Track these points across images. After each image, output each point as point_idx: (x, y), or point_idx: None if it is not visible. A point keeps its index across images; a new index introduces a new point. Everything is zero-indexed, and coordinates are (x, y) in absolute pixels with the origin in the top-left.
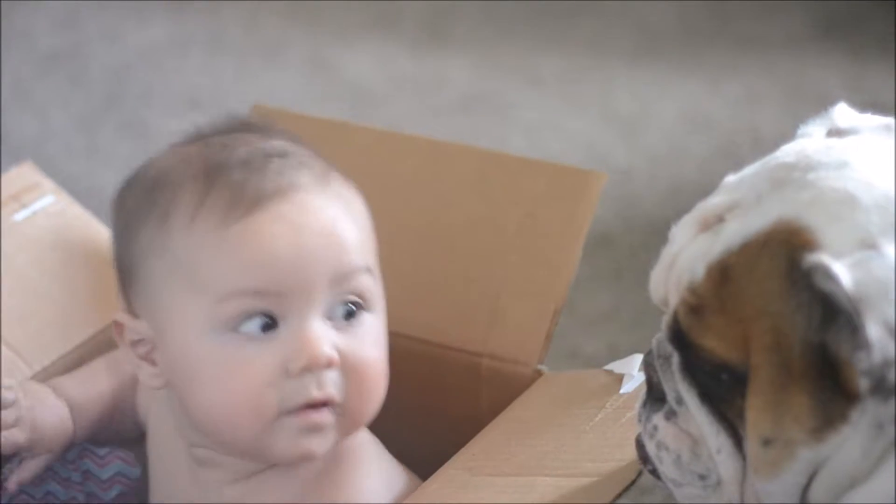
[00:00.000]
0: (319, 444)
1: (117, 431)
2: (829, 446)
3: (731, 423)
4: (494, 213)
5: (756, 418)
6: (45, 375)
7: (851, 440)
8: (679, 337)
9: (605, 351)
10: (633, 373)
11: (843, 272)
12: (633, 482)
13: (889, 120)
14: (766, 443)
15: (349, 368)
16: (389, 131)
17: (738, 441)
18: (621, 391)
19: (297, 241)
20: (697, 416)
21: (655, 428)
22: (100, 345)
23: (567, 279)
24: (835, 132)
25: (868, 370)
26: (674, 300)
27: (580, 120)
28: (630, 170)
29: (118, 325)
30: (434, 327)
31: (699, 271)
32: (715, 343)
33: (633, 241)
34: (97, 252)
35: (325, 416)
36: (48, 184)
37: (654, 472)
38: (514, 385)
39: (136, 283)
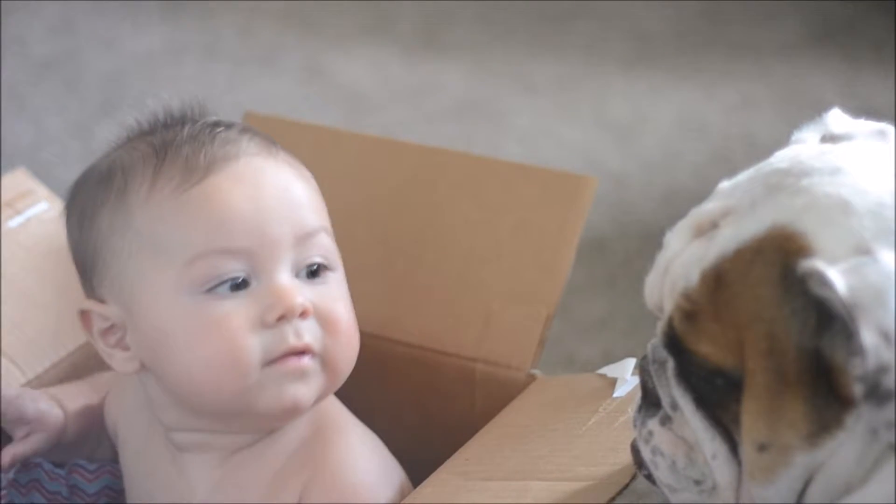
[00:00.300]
0: (305, 393)
1: (91, 448)
2: (824, 451)
3: (727, 429)
4: (487, 218)
5: (751, 424)
6: (39, 383)
7: (847, 446)
8: (674, 343)
9: (600, 357)
10: (626, 377)
11: (838, 278)
12: (627, 486)
13: (882, 125)
14: (762, 448)
15: (323, 320)
16: (383, 138)
17: (733, 447)
18: (614, 395)
19: (257, 199)
20: (692, 421)
21: (651, 433)
22: (93, 352)
23: (560, 284)
24: (829, 138)
25: (863, 376)
26: (668, 306)
27: (574, 126)
28: (625, 176)
29: (85, 315)
30: (428, 332)
31: (694, 277)
32: (709, 349)
33: (628, 247)
34: None
35: (306, 362)
36: (42, 190)
37: (650, 478)
38: (507, 390)
39: (100, 267)
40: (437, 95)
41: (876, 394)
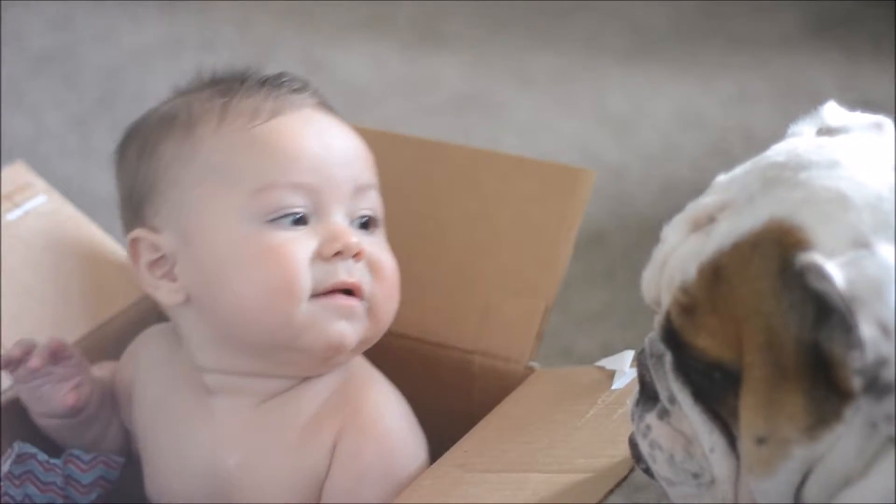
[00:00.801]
0: (350, 333)
1: (102, 426)
2: (823, 444)
3: (725, 422)
4: (486, 211)
5: (750, 417)
6: None
7: (846, 439)
8: (671, 337)
9: (599, 349)
10: (624, 369)
11: (836, 271)
12: (625, 478)
13: (879, 118)
14: (761, 441)
15: (372, 266)
16: (382, 131)
17: (731, 440)
18: (613, 387)
19: (324, 143)
20: (690, 415)
21: (648, 427)
22: (93, 344)
23: (558, 277)
24: (825, 131)
25: (861, 369)
26: (666, 300)
27: (573, 119)
28: (623, 169)
29: (134, 245)
30: (426, 325)
31: (691, 271)
32: (707, 342)
33: (626, 240)
34: (90, 252)
35: (354, 302)
36: (40, 183)
37: (648, 471)
38: (505, 382)
39: (157, 198)
40: (436, 89)
41: (875, 387)
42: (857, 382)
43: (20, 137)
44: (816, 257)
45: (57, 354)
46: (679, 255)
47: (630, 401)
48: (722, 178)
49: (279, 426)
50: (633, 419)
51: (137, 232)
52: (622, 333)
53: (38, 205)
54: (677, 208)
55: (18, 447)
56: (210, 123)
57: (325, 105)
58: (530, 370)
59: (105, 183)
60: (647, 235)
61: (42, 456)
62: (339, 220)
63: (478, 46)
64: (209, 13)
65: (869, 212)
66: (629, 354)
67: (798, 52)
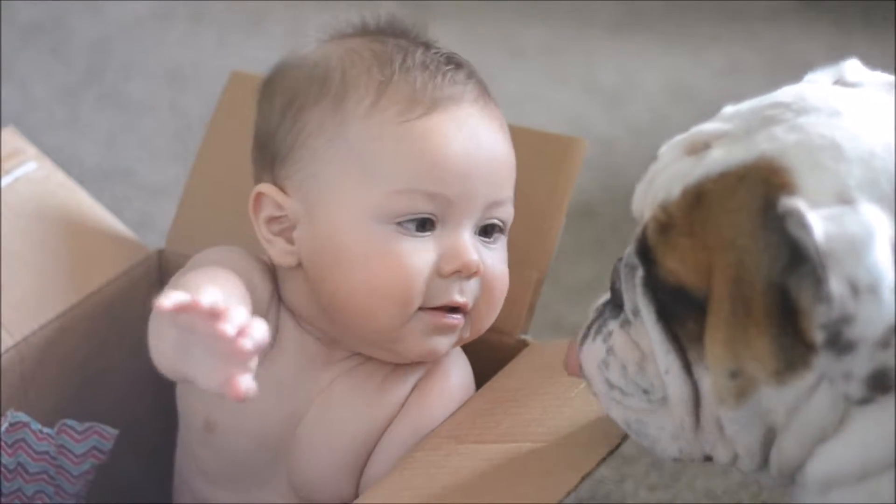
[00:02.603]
0: (445, 346)
1: None
2: (793, 390)
3: (682, 347)
4: None
5: (718, 351)
6: (27, 345)
7: (819, 390)
8: (645, 252)
9: None
10: None
11: (817, 222)
12: (617, 447)
13: (893, 78)
14: (734, 375)
15: (485, 282)
16: None
17: (686, 365)
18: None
19: (471, 153)
20: (651, 332)
21: (610, 333)
22: (82, 313)
23: (550, 248)
24: (840, 83)
25: (826, 324)
26: (647, 215)
27: (563, 91)
28: (613, 140)
29: (259, 197)
30: None
31: (675, 191)
32: (677, 264)
33: (616, 212)
34: (80, 219)
35: (457, 322)
36: (31, 150)
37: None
38: (497, 354)
39: (294, 161)
40: None
41: (836, 344)
42: (819, 336)
43: (8, 108)
44: (800, 204)
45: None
46: (668, 173)
47: (595, 304)
48: (729, 108)
49: (363, 378)
50: (595, 314)
51: (265, 187)
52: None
53: (29, 171)
54: None
55: (11, 415)
56: (363, 103)
57: (484, 94)
58: (522, 343)
59: (93, 154)
60: None
61: (35, 425)
62: (465, 233)
63: (467, 18)
64: None
65: (859, 166)
66: None
67: (788, 24)
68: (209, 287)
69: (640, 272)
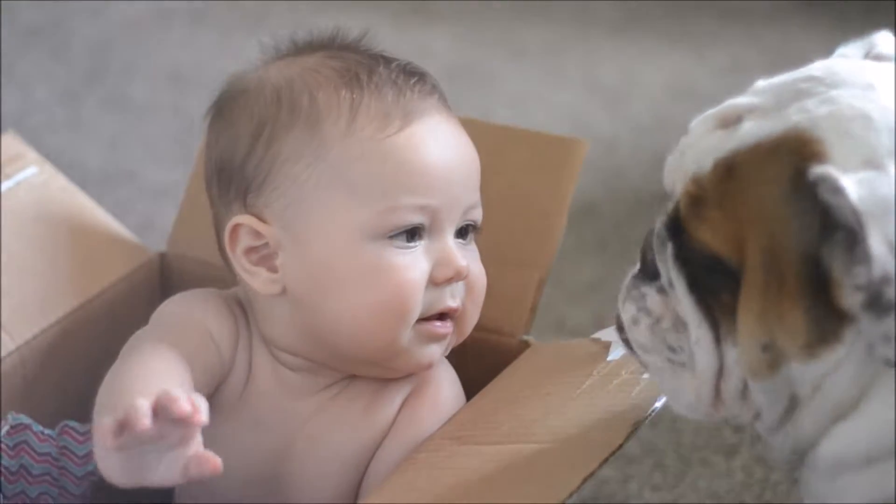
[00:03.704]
0: (439, 354)
1: None
2: (823, 363)
3: (715, 319)
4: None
5: (750, 322)
6: (28, 349)
7: (845, 364)
8: (676, 225)
9: (591, 322)
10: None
11: (851, 185)
12: (620, 447)
13: None
14: (766, 348)
15: (469, 283)
16: None
17: (717, 337)
18: (608, 358)
19: (450, 159)
20: (685, 303)
21: (643, 296)
22: (84, 316)
23: (552, 248)
24: (872, 56)
25: (866, 285)
26: (679, 189)
27: (564, 91)
28: (615, 140)
29: (235, 230)
30: None
31: (707, 164)
32: (709, 236)
33: (618, 212)
34: (81, 224)
35: (449, 328)
36: (32, 154)
37: (627, 342)
38: (499, 355)
39: (272, 189)
40: (427, 60)
41: (877, 304)
42: (858, 299)
43: (10, 110)
44: (831, 170)
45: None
46: (699, 147)
47: (627, 277)
48: (761, 82)
49: (348, 402)
50: (626, 289)
51: (243, 218)
52: (614, 305)
53: (30, 176)
54: None
55: (12, 418)
56: (339, 124)
57: (445, 102)
58: (525, 343)
59: (95, 156)
60: (639, 207)
61: (36, 427)
62: (450, 239)
63: (468, 18)
64: None
65: (888, 134)
66: None
67: (790, 23)
68: (140, 400)
69: (670, 246)
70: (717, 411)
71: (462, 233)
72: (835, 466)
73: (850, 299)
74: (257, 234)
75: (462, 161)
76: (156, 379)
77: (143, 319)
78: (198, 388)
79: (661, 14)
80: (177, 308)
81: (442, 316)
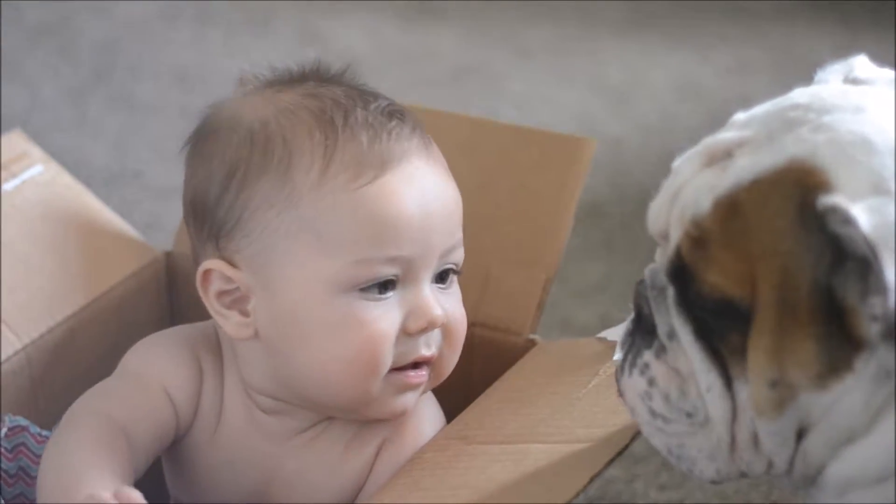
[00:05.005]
0: (413, 401)
1: None
2: (831, 394)
3: (724, 363)
4: (485, 181)
5: (760, 359)
6: (35, 348)
7: (853, 391)
8: (679, 271)
9: (597, 321)
10: None
11: (861, 215)
12: (626, 447)
13: None
14: (774, 385)
15: (446, 329)
16: None
17: (727, 381)
18: (614, 358)
19: (425, 207)
20: (690, 352)
21: (647, 365)
22: (91, 315)
23: (559, 248)
24: (851, 80)
25: (882, 315)
26: (676, 233)
27: (570, 90)
28: (621, 140)
29: (207, 274)
30: None
31: (705, 204)
32: (719, 278)
33: (625, 212)
34: (87, 222)
35: (423, 377)
36: (37, 153)
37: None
38: (505, 354)
39: (242, 234)
40: (433, 60)
41: (894, 334)
42: (874, 329)
43: (16, 109)
44: (840, 200)
45: None
46: (693, 187)
47: (621, 330)
48: (741, 115)
49: (326, 445)
50: (622, 347)
51: (213, 263)
52: (621, 304)
53: (35, 174)
54: None
55: (10, 420)
56: (311, 173)
57: (428, 143)
58: (531, 342)
59: (101, 155)
60: (645, 207)
61: (34, 428)
62: (426, 288)
63: (474, 18)
64: None
65: (890, 157)
66: None
67: (795, 22)
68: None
69: (670, 292)
70: (734, 462)
71: (442, 277)
72: (844, 486)
73: (866, 328)
74: (228, 279)
75: (441, 206)
76: (88, 474)
77: (149, 318)
78: (147, 449)
79: (667, 14)
80: (135, 366)
81: (416, 364)
